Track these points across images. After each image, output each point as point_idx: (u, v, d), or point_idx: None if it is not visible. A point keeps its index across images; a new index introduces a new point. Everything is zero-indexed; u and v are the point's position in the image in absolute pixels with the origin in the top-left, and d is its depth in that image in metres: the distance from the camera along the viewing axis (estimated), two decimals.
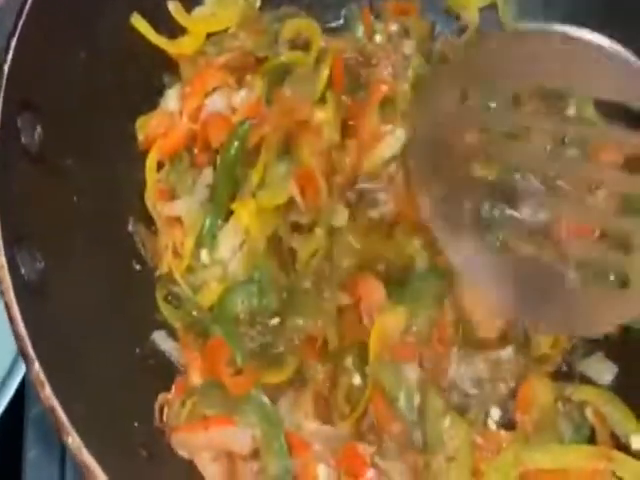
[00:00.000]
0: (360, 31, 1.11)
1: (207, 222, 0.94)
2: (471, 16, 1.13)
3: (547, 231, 0.67)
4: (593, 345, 0.92)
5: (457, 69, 0.70)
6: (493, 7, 1.13)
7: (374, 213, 0.97)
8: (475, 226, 0.70)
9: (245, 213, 0.93)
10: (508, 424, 0.87)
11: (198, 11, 1.07)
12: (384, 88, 1.00)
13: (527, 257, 0.68)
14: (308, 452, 0.80)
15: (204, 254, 0.94)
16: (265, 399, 0.82)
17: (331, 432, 0.84)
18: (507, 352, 0.88)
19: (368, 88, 1.02)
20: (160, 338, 0.89)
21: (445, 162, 0.70)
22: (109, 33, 0.95)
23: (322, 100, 1.00)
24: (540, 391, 0.86)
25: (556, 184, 0.66)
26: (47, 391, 0.62)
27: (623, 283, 0.62)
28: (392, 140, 0.97)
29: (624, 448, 0.83)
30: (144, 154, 0.98)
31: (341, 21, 1.13)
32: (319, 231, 0.94)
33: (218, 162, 0.96)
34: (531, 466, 0.81)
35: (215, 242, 0.94)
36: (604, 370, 0.90)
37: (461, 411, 0.86)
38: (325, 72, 1.00)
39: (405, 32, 1.11)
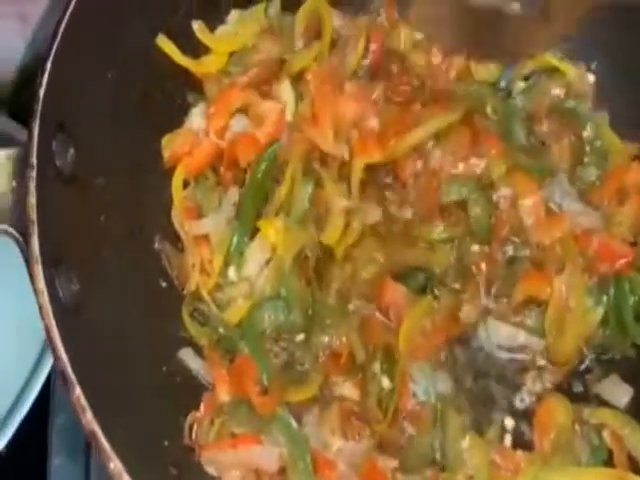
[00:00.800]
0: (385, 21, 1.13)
1: (234, 240, 0.95)
2: None
3: None
4: (608, 367, 0.95)
5: None
6: None
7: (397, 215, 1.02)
8: None
9: (272, 231, 0.94)
10: (525, 444, 0.89)
11: (221, 30, 1.08)
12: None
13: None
14: (333, 472, 0.82)
15: (232, 271, 0.95)
16: (291, 419, 0.84)
17: (357, 448, 0.86)
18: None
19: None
20: (187, 356, 0.90)
21: None
22: (135, 54, 0.97)
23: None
24: (559, 412, 0.88)
25: None
26: (89, 416, 0.64)
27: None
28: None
29: None
30: (170, 172, 1.00)
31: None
32: (355, 224, 0.96)
33: (246, 182, 0.98)
34: None
35: (242, 259, 0.95)
36: (620, 392, 0.91)
37: (478, 426, 0.89)
38: (360, 44, 1.05)
39: None
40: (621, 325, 0.93)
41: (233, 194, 0.99)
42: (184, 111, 1.04)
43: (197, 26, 1.05)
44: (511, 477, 0.84)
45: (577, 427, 0.88)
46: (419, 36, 1.13)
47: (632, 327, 0.92)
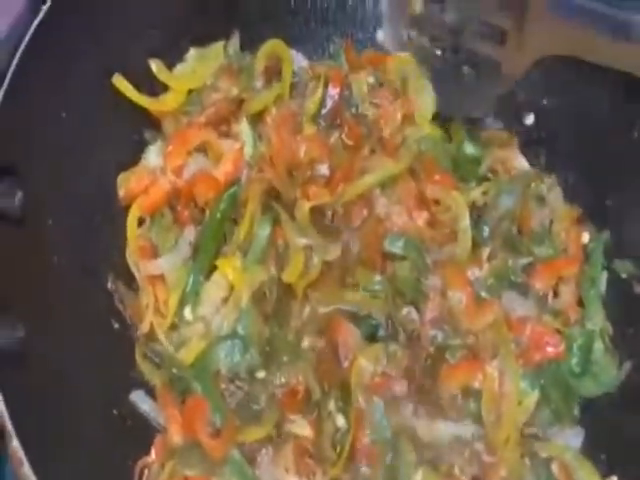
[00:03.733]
0: (344, 63, 1.15)
1: (190, 280, 0.95)
2: None
3: None
4: None
5: None
6: None
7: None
8: None
9: (229, 270, 0.94)
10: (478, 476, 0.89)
11: (180, 68, 1.09)
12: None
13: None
14: None
15: (187, 311, 0.95)
16: (244, 461, 0.83)
17: None
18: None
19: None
20: (138, 398, 0.89)
21: None
22: (90, 93, 0.97)
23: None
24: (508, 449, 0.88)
25: None
26: (25, 469, 0.63)
27: None
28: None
29: None
30: (125, 210, 1.00)
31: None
32: (316, 260, 0.96)
33: (205, 222, 0.98)
34: None
35: (198, 299, 0.95)
36: (572, 435, 0.91)
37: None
38: (319, 90, 1.06)
39: (380, 84, 1.14)
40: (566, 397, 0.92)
41: (190, 233, 0.98)
42: (141, 148, 1.04)
43: (155, 65, 1.05)
44: None
45: (527, 460, 0.88)
46: (371, 79, 1.13)
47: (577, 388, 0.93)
